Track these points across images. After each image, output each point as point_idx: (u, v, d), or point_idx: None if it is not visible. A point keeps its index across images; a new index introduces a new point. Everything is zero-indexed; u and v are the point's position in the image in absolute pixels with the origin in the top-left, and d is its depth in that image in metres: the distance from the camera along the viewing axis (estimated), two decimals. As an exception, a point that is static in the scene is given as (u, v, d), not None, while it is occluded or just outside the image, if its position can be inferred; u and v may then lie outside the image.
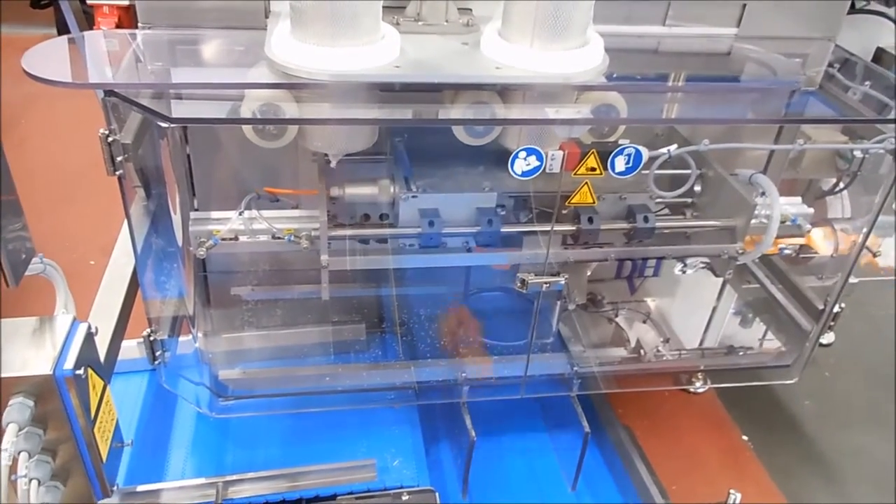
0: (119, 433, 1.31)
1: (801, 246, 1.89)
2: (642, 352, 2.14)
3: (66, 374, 1.11)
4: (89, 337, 1.19)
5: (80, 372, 1.13)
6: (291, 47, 1.45)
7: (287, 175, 1.79)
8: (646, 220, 1.72)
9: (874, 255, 1.90)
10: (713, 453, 2.23)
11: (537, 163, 1.50)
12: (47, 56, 1.50)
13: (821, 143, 1.79)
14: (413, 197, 1.64)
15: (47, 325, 1.18)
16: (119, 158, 1.46)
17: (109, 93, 1.41)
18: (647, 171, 1.59)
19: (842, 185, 1.92)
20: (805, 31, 1.85)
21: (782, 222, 1.78)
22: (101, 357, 1.49)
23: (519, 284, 1.71)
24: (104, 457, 1.22)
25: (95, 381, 1.20)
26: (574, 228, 1.71)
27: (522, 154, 1.48)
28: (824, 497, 2.14)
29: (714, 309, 2.21)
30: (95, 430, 1.19)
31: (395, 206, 1.67)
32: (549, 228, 1.68)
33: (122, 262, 1.81)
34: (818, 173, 1.94)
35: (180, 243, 1.66)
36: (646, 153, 1.53)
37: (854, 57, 1.88)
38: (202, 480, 1.77)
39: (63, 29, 2.00)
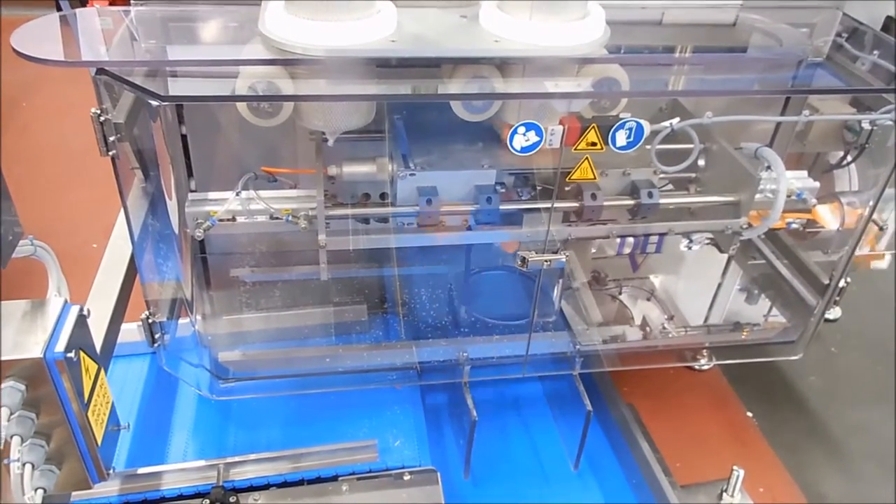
0: (115, 416, 1.30)
1: (808, 220, 1.86)
2: (648, 329, 2.12)
3: (56, 357, 1.09)
4: (81, 320, 1.17)
5: (72, 355, 1.11)
6: (285, 22, 1.42)
7: (286, 154, 1.76)
8: (650, 195, 1.68)
9: (880, 229, 1.87)
10: (717, 430, 2.21)
11: (537, 138, 1.48)
12: (38, 34, 1.48)
13: (826, 114, 1.75)
14: (411, 175, 1.61)
15: (39, 308, 1.16)
16: (112, 138, 1.44)
17: (101, 71, 1.38)
18: (649, 146, 1.56)
19: (849, 158, 1.89)
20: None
21: (788, 196, 1.75)
22: (100, 340, 1.48)
23: (520, 262, 1.69)
24: (99, 440, 1.21)
25: (89, 365, 1.18)
26: (577, 205, 1.68)
27: (521, 129, 1.46)
28: (829, 473, 2.13)
29: (719, 285, 2.19)
30: (89, 413, 1.18)
31: (394, 184, 1.64)
32: (549, 205, 1.65)
33: (120, 244, 1.80)
34: (825, 146, 1.90)
35: (176, 224, 1.64)
36: (647, 127, 1.50)
37: (863, 26, 1.83)
38: (203, 462, 1.76)
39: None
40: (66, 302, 1.18)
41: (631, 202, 1.71)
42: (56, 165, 3.24)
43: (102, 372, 1.26)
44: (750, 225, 1.74)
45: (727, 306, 2.21)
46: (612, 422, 2.10)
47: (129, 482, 1.70)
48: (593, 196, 1.66)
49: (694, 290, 2.24)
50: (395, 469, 1.79)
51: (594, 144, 1.52)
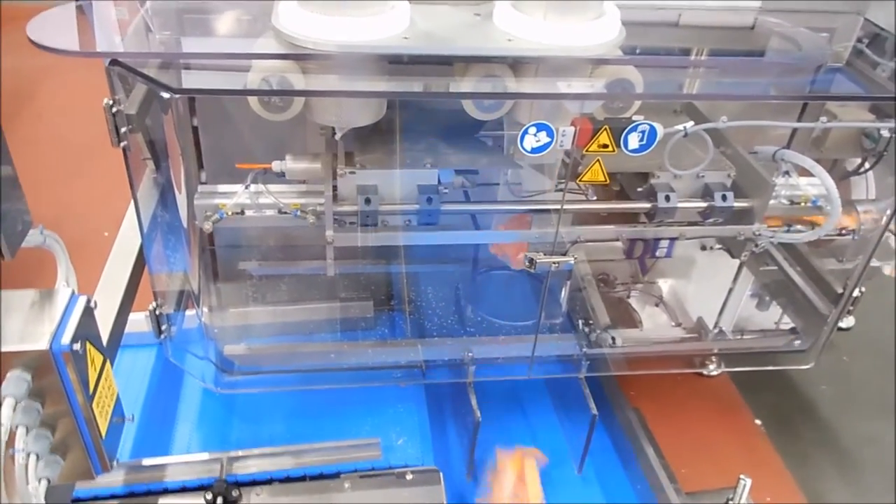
0: (120, 408, 1.30)
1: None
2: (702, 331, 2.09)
3: (63, 348, 1.09)
4: (88, 311, 1.17)
5: (78, 347, 1.11)
6: (298, 17, 1.41)
7: (297, 148, 1.76)
8: (724, 198, 1.68)
9: (897, 240, 1.85)
10: (725, 437, 2.19)
11: (548, 139, 1.46)
12: (54, 24, 1.48)
13: (844, 121, 1.72)
14: (351, 173, 1.60)
15: (46, 298, 1.16)
16: (123, 129, 1.44)
17: (114, 62, 1.38)
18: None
19: (867, 165, 1.86)
20: (833, 4, 1.77)
21: (802, 203, 1.73)
22: (107, 330, 1.49)
23: (527, 264, 1.68)
24: (103, 432, 1.21)
25: (94, 356, 1.18)
26: (649, 206, 1.69)
27: (532, 130, 1.44)
28: (838, 484, 2.10)
29: (730, 291, 2.16)
30: (94, 404, 1.18)
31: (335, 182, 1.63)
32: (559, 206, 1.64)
33: (130, 234, 1.80)
34: (843, 153, 1.87)
35: (185, 217, 1.64)
36: (660, 130, 1.48)
37: (884, 32, 1.80)
38: (207, 455, 1.76)
39: (81, -1, 1.97)
40: (73, 293, 1.18)
41: (703, 205, 1.71)
42: (70, 154, 3.25)
43: (108, 363, 1.26)
44: (760, 231, 1.73)
45: (738, 313, 2.19)
46: (617, 425, 2.09)
47: (133, 473, 1.70)
48: (667, 198, 1.66)
49: (704, 295, 2.21)
50: (397, 468, 1.79)
51: (606, 146, 1.51)
